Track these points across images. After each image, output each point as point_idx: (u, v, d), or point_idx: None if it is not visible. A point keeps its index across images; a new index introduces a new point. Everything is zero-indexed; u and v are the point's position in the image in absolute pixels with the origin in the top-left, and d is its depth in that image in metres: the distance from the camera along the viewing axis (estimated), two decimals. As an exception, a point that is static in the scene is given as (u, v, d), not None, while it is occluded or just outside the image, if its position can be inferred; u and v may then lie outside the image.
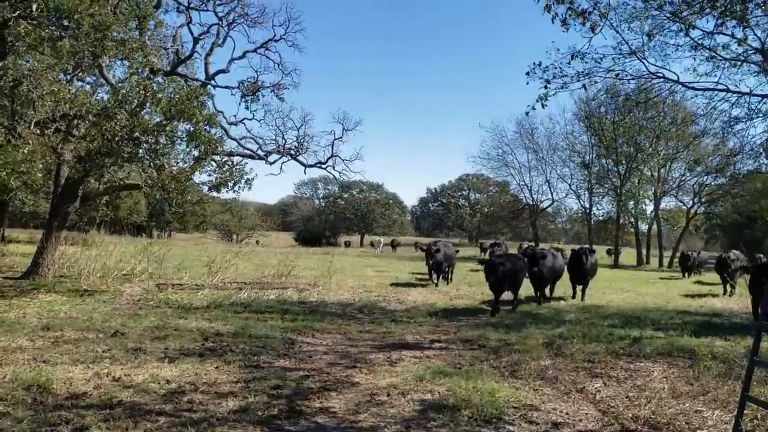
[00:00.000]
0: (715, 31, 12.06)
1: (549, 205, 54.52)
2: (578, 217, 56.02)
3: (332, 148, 23.07)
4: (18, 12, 11.19)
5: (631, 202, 45.25)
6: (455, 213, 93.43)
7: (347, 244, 61.33)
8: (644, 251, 46.81)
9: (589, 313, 13.03)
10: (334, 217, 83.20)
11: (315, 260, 25.49)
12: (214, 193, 14.26)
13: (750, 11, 11.10)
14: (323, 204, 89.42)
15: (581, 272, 15.19)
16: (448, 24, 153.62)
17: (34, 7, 10.98)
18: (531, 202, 53.59)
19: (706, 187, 45.18)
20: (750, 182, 39.87)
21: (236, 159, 17.63)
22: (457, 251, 20.26)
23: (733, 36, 12.39)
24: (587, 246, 17.37)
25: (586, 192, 48.45)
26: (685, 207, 48.66)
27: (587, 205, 48.93)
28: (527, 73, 12.01)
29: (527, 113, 12.84)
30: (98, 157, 12.40)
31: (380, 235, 75.62)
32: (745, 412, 5.17)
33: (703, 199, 46.26)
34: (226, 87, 20.27)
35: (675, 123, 30.27)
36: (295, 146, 20.91)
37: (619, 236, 47.47)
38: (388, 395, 6.26)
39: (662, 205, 48.65)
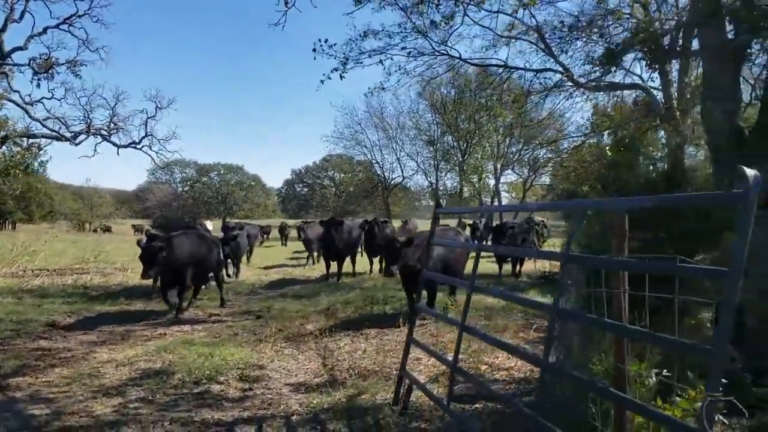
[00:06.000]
0: (498, 11, 12.93)
1: (399, 183, 56.10)
2: (427, 192, 58.18)
3: (146, 127, 22.44)
4: None
5: (475, 177, 47.75)
6: (320, 193, 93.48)
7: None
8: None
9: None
10: (192, 201, 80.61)
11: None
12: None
13: None
14: (180, 188, 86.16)
15: (376, 246, 14.43)
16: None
17: None
18: (383, 180, 54.87)
19: (540, 161, 48.58)
20: (576, 154, 43.39)
21: (42, 141, 16.58)
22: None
23: (510, 15, 13.36)
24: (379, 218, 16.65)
25: (433, 168, 50.42)
26: (522, 179, 52.11)
27: (434, 181, 50.97)
28: (314, 50, 12.35)
29: (322, 81, 12.90)
30: None
31: (242, 218, 72.82)
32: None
33: (538, 171, 49.76)
34: (16, 65, 18.73)
35: (501, 102, 32.12)
36: (107, 126, 19.99)
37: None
38: (116, 367, 6.32)
39: (503, 179, 51.78)
